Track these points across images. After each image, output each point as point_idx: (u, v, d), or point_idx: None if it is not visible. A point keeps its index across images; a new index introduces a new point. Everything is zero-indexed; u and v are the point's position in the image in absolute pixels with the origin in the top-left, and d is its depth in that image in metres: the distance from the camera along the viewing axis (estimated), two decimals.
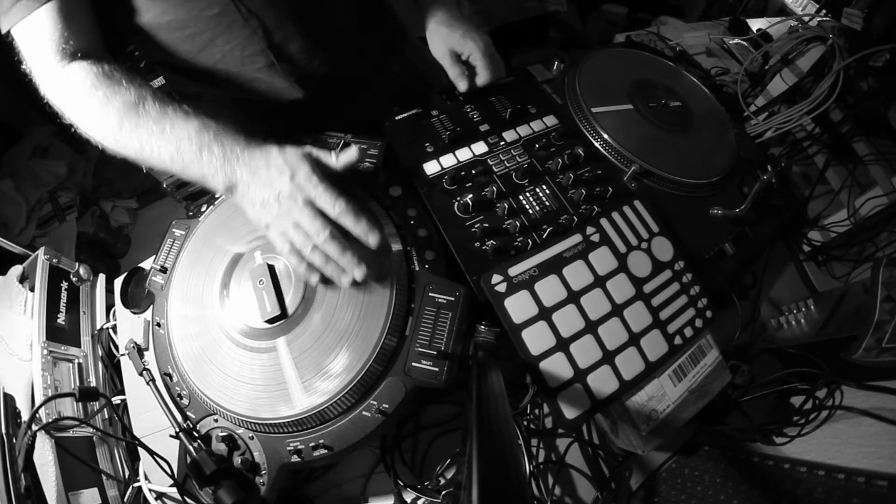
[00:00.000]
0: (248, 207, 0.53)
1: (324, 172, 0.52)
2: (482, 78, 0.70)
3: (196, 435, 0.53)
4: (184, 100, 0.56)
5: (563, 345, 0.53)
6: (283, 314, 0.54)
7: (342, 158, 0.54)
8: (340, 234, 0.50)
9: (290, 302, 0.54)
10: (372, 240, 0.50)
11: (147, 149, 0.52)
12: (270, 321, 0.53)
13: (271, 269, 0.56)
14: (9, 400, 0.58)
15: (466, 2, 0.72)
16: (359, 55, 0.77)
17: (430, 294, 0.52)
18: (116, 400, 0.65)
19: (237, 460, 0.51)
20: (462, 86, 0.71)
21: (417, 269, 0.55)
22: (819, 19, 0.91)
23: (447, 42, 0.69)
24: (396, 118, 0.70)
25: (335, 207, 0.50)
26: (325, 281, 0.52)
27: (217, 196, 0.65)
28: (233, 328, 0.55)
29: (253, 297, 0.54)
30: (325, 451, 0.49)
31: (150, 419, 0.59)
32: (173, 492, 0.56)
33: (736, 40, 1.09)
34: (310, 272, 0.52)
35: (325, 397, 0.49)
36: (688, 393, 0.58)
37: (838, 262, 0.85)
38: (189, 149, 0.51)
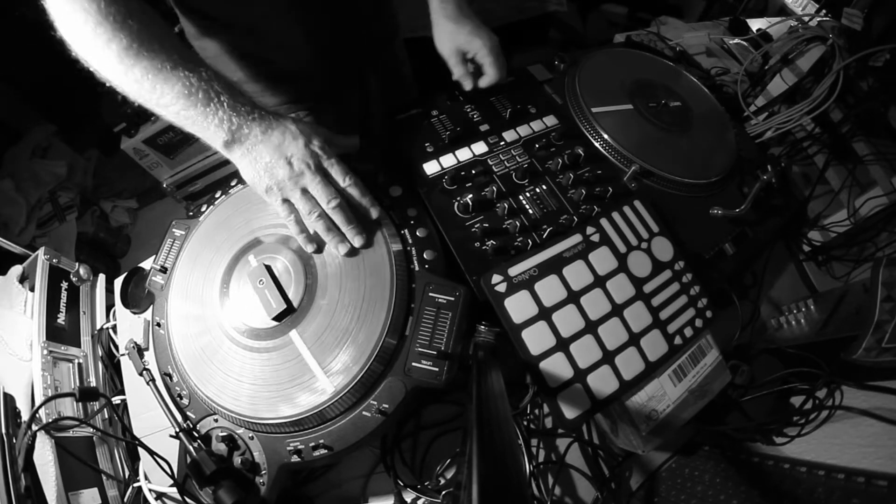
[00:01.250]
0: (248, 169, 0.52)
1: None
2: (488, 78, 0.69)
3: (196, 435, 0.53)
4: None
5: (563, 345, 0.53)
6: (290, 308, 0.54)
7: (345, 141, 0.57)
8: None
9: (293, 296, 0.55)
10: (374, 212, 0.55)
11: (150, 82, 0.47)
12: (278, 317, 0.53)
13: (268, 268, 0.56)
14: (9, 400, 0.58)
15: (466, 2, 0.72)
16: (359, 23, 0.78)
17: (430, 294, 0.52)
18: (116, 400, 0.65)
19: (237, 460, 0.51)
20: (467, 85, 0.70)
21: (417, 269, 0.55)
22: (819, 19, 0.91)
23: (454, 39, 0.68)
24: (396, 118, 0.70)
25: (346, 179, 0.53)
26: (319, 250, 0.55)
27: (217, 196, 0.65)
28: (234, 329, 0.55)
29: (255, 299, 0.54)
30: (325, 451, 0.49)
31: (150, 419, 0.59)
32: (173, 492, 0.56)
33: (736, 40, 1.09)
34: (308, 240, 0.53)
35: (347, 378, 0.49)
36: (688, 393, 0.58)
37: (838, 262, 0.85)
38: (197, 92, 0.48)
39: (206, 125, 0.50)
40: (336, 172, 0.53)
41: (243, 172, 0.54)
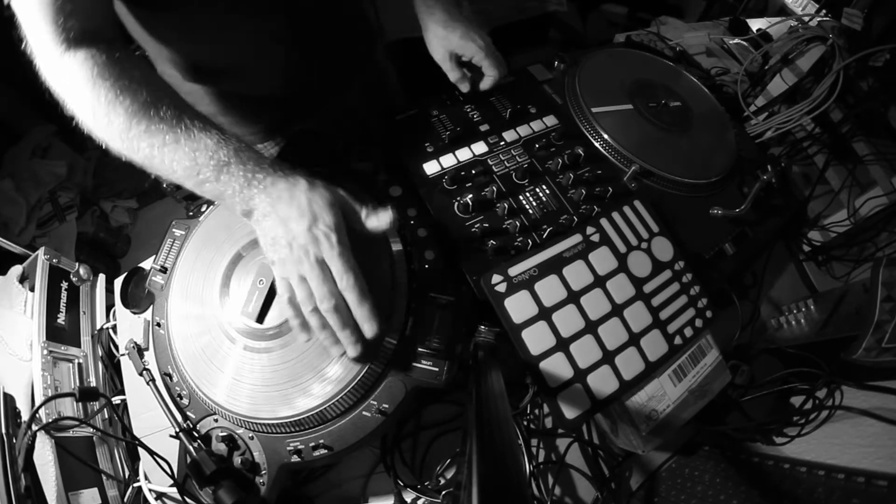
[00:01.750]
0: (262, 238, 0.48)
1: (348, 227, 0.47)
2: (489, 80, 0.69)
3: (196, 435, 0.53)
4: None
5: (563, 345, 0.53)
6: (259, 321, 0.53)
7: (373, 222, 0.48)
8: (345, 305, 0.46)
9: (277, 314, 0.53)
10: (368, 329, 0.45)
11: (158, 158, 0.47)
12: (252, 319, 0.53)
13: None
14: (9, 400, 0.58)
15: (466, 1, 0.72)
16: (335, 43, 0.75)
17: (430, 294, 0.52)
18: (116, 400, 0.65)
19: (237, 460, 0.51)
20: (465, 87, 0.70)
21: (417, 269, 0.55)
22: (819, 19, 0.91)
23: (446, 45, 0.67)
24: (396, 118, 0.70)
25: (343, 279, 0.45)
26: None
27: None
28: (234, 329, 0.55)
29: (254, 293, 0.54)
30: (325, 451, 0.49)
31: (150, 419, 0.59)
32: (173, 492, 0.56)
33: (736, 40, 1.09)
34: (303, 329, 0.47)
35: (347, 378, 0.49)
36: (688, 393, 0.58)
37: (838, 262, 0.85)
38: (206, 164, 0.46)
39: (223, 197, 0.47)
40: (335, 269, 0.45)
41: (259, 240, 0.49)
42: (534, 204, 0.62)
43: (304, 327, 0.47)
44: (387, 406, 0.49)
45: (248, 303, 0.53)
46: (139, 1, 0.55)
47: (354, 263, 0.46)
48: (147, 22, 0.59)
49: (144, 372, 0.59)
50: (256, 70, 0.69)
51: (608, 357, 0.54)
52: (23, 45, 0.47)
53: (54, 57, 0.46)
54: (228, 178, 0.46)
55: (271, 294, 0.54)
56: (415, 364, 0.49)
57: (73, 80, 0.46)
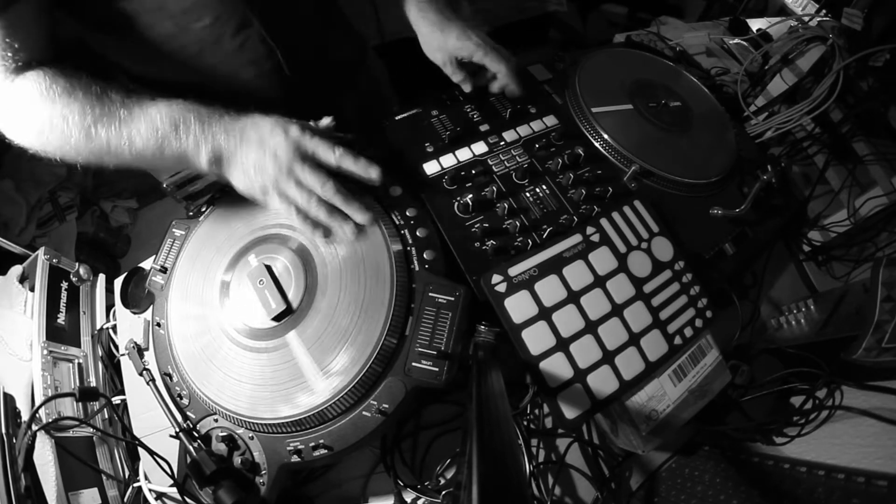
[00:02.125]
0: (239, 175, 0.51)
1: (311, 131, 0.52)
2: (501, 76, 0.67)
3: (196, 435, 0.53)
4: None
5: (563, 345, 0.53)
6: (289, 309, 0.54)
7: (322, 121, 0.56)
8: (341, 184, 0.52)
9: (293, 296, 0.54)
10: (373, 173, 0.52)
11: (115, 138, 0.48)
12: (277, 318, 0.53)
13: (269, 268, 0.55)
14: (9, 400, 0.58)
15: (466, 1, 0.71)
16: (323, 52, 0.76)
17: (430, 294, 0.52)
18: (116, 400, 0.65)
19: (237, 460, 0.51)
20: (467, 88, 0.69)
21: (417, 269, 0.55)
22: (819, 19, 0.91)
23: (444, 48, 0.66)
24: (396, 118, 0.70)
25: (335, 153, 0.51)
26: (328, 234, 0.54)
27: (217, 196, 0.65)
28: (234, 329, 0.55)
29: (255, 298, 0.54)
30: (325, 451, 0.49)
31: (150, 419, 0.59)
32: (173, 492, 0.56)
33: (736, 40, 1.09)
34: (315, 229, 0.52)
35: (347, 378, 0.49)
36: (688, 393, 0.58)
37: (838, 262, 0.85)
38: (162, 126, 0.48)
39: (185, 150, 0.49)
40: (323, 151, 0.51)
41: (236, 182, 0.52)
42: (534, 204, 0.62)
43: (316, 226, 0.52)
44: (387, 406, 0.49)
45: (268, 305, 0.53)
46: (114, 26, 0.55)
47: (332, 140, 0.52)
48: (129, 51, 0.59)
49: (144, 372, 0.58)
50: (243, 93, 0.68)
51: (608, 357, 0.54)
52: None
53: (3, 86, 0.49)
54: (187, 131, 0.48)
55: (278, 284, 0.54)
56: (415, 364, 0.49)
57: (21, 99, 0.49)
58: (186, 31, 0.57)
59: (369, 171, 0.52)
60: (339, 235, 0.53)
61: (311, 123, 0.55)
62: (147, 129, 0.48)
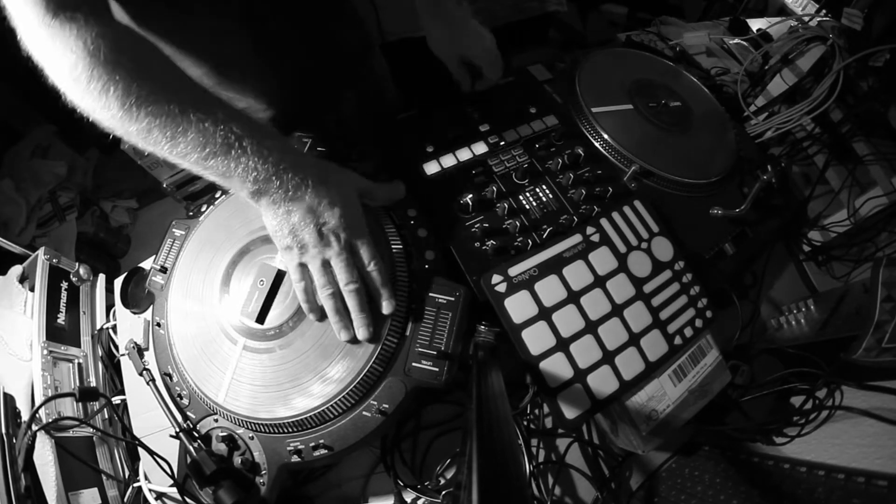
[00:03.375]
0: (273, 220, 0.47)
1: (364, 206, 0.51)
2: (486, 82, 0.69)
3: (196, 435, 0.53)
4: None
5: (563, 345, 0.53)
6: (259, 321, 0.53)
7: (386, 193, 0.56)
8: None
9: (277, 315, 0.53)
10: (388, 306, 0.50)
11: (159, 128, 0.42)
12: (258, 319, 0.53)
13: (279, 275, 0.54)
14: (9, 400, 0.58)
15: (466, 1, 0.72)
16: (332, 49, 0.74)
17: (430, 294, 0.52)
18: (116, 400, 0.65)
19: (237, 460, 0.51)
20: (466, 86, 0.71)
21: (417, 269, 0.55)
22: (819, 19, 0.91)
23: (454, 45, 0.67)
24: (397, 118, 0.70)
25: (372, 263, 0.49)
26: (321, 319, 0.51)
27: (217, 196, 0.65)
28: (233, 328, 0.55)
29: (254, 294, 0.54)
30: (325, 451, 0.49)
31: (150, 419, 0.59)
32: (173, 492, 0.56)
33: (736, 40, 1.09)
34: (312, 310, 0.50)
35: (347, 379, 0.49)
36: (688, 393, 0.58)
37: (838, 262, 0.85)
38: (214, 136, 0.42)
39: (230, 175, 0.44)
40: (364, 254, 0.49)
41: (266, 221, 0.48)
42: (534, 204, 0.62)
43: (313, 309, 0.50)
44: (387, 406, 0.49)
45: (248, 303, 0.53)
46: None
47: (376, 248, 0.50)
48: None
49: (144, 372, 0.59)
50: (240, 89, 0.68)
51: (608, 357, 0.54)
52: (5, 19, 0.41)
53: (44, 22, 0.40)
54: (239, 156, 0.43)
55: (272, 294, 0.54)
56: (415, 364, 0.49)
57: (64, 44, 0.40)
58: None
59: (385, 302, 0.50)
60: (333, 332, 0.50)
61: (373, 185, 0.53)
62: (196, 135, 0.42)
